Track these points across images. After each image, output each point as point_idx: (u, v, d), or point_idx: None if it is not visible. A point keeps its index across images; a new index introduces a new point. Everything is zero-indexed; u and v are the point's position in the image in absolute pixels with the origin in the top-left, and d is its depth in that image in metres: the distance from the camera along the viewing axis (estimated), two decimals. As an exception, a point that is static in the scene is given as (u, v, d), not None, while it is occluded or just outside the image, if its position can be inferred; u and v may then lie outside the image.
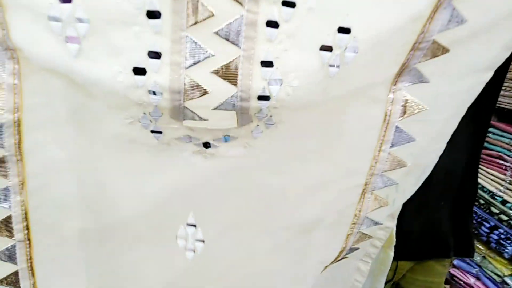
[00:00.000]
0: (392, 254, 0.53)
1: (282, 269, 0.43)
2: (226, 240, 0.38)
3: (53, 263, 0.38)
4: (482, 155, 1.44)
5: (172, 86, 0.28)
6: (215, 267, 0.39)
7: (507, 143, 1.34)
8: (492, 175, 1.40)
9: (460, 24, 0.30)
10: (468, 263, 1.54)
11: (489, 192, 1.42)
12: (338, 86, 0.31)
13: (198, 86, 0.28)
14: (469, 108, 0.38)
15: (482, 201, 1.45)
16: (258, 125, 0.32)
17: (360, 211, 0.41)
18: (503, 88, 1.36)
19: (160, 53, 0.27)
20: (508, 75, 1.36)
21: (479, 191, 1.47)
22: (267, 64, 0.28)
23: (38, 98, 0.32)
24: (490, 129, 1.41)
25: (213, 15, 0.26)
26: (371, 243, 0.48)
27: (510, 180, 1.34)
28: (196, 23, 0.26)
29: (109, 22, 0.26)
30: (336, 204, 0.41)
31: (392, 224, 0.48)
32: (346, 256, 0.48)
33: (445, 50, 0.31)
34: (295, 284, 0.45)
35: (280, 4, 0.27)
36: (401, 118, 0.35)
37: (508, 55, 0.34)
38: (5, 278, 0.37)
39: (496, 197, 1.39)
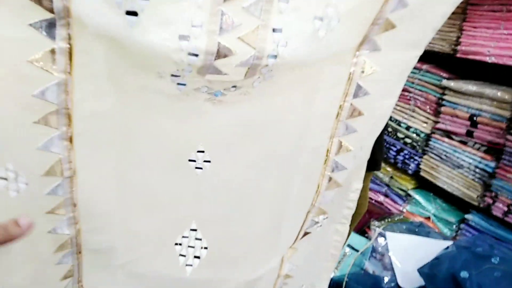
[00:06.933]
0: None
1: (267, 205, 0.51)
2: (227, 161, 0.47)
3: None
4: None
5: (208, 49, 0.34)
6: (217, 182, 0.47)
7: (410, 77, 1.51)
8: (398, 105, 1.57)
9: (404, 7, 0.39)
10: (378, 184, 1.74)
11: (396, 120, 1.59)
12: (322, 49, 0.39)
13: (227, 48, 0.35)
14: None
15: (390, 129, 1.63)
16: (259, 77, 0.39)
17: (329, 152, 0.49)
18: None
19: (200, 23, 0.33)
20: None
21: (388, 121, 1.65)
22: (277, 31, 0.36)
23: (85, 58, 0.36)
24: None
25: None
26: (345, 202, 0.57)
27: (413, 108, 1.52)
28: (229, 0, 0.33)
29: None
30: (311, 141, 0.48)
31: (359, 186, 0.56)
32: (322, 209, 0.54)
33: (393, 26, 0.40)
34: (274, 224, 0.53)
35: None
36: (361, 76, 0.44)
37: (433, 35, 0.44)
38: None
39: (401, 124, 1.57)
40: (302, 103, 0.45)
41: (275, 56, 0.37)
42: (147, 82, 0.38)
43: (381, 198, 1.70)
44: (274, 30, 0.36)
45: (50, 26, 0.33)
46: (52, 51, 0.34)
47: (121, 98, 0.39)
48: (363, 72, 0.43)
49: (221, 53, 0.35)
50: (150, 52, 0.35)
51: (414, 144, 1.49)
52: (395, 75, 0.46)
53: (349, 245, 1.36)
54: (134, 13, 0.32)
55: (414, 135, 1.49)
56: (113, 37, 0.34)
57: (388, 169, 1.66)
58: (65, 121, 0.39)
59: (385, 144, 1.61)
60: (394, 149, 1.58)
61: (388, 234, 1.32)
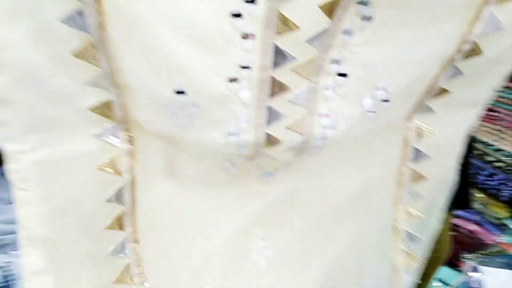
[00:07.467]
0: None
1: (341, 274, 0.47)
2: (290, 246, 0.44)
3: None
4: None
5: (256, 141, 0.35)
6: (284, 271, 0.44)
7: (497, 96, 1.40)
8: (484, 126, 1.46)
9: (459, 75, 0.37)
10: (468, 212, 1.60)
11: (483, 142, 1.48)
12: (372, 124, 0.38)
13: (275, 138, 0.35)
14: None
15: (477, 152, 1.51)
16: (308, 154, 0.39)
17: (397, 222, 0.46)
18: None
19: (248, 119, 0.34)
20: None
21: (474, 143, 1.53)
22: (324, 116, 0.35)
23: (145, 155, 0.37)
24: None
25: (287, 87, 0.33)
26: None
27: (501, 129, 1.40)
28: (274, 95, 0.33)
29: (213, 103, 0.33)
30: (373, 210, 0.45)
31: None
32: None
33: (447, 92, 0.38)
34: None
35: (335, 75, 0.33)
36: (417, 140, 0.42)
37: (493, 93, 0.40)
38: None
39: (489, 146, 1.45)
40: (355, 170, 0.43)
41: (324, 138, 0.37)
42: (202, 170, 0.39)
43: (472, 227, 1.56)
44: (321, 115, 0.36)
45: (113, 132, 0.34)
46: (117, 154, 0.35)
47: (179, 191, 0.39)
48: (418, 135, 0.41)
49: (269, 143, 0.36)
50: (202, 147, 0.36)
51: (506, 168, 1.37)
52: (455, 135, 0.43)
53: (438, 279, 1.26)
54: (187, 119, 0.33)
55: (505, 158, 1.36)
56: (169, 136, 0.36)
57: (479, 195, 1.52)
58: (131, 221, 0.38)
59: (473, 168, 1.50)
60: (484, 173, 1.45)
61: (484, 268, 1.20)
